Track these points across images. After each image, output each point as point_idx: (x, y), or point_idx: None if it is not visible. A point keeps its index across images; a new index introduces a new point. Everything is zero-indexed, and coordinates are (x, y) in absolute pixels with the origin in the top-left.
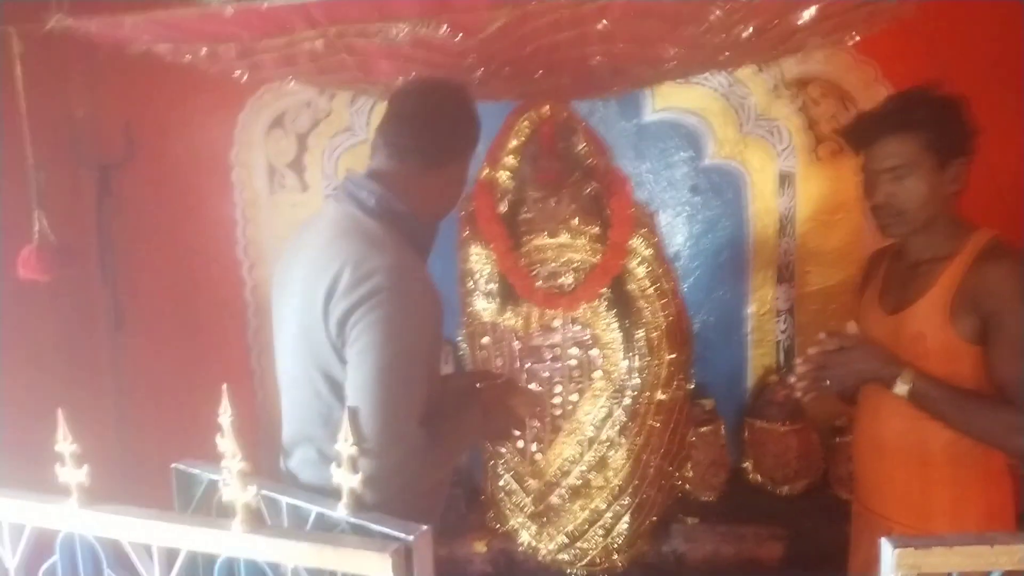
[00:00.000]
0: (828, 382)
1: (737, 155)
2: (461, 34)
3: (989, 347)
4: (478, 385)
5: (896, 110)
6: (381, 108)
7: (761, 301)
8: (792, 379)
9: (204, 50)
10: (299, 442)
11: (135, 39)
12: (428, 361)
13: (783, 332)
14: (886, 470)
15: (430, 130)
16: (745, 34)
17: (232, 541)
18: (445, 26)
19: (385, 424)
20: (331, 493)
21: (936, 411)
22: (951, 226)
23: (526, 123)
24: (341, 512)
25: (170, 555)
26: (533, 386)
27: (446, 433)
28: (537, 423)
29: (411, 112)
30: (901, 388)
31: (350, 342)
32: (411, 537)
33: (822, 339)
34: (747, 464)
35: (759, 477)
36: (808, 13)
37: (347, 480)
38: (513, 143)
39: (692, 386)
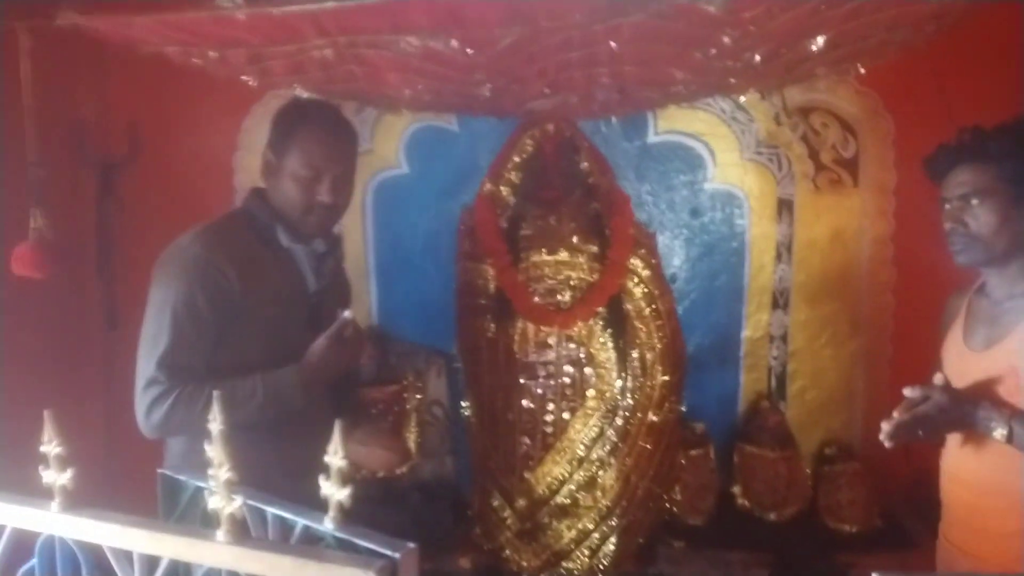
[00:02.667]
0: (921, 433)
1: (737, 180)
2: (471, 49)
3: None
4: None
5: (972, 140)
6: (386, 119)
7: (755, 326)
8: (882, 436)
9: (214, 54)
10: None
11: (145, 40)
12: (189, 328)
13: (775, 358)
14: (976, 509)
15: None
16: (754, 61)
17: (215, 552)
18: (455, 40)
19: (140, 371)
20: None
21: None
22: None
23: (530, 140)
24: (327, 526)
25: (151, 563)
26: (526, 403)
27: (226, 385)
28: (528, 440)
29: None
30: (999, 432)
31: None
32: (397, 554)
33: (907, 393)
34: (736, 489)
35: (747, 502)
36: (818, 42)
37: (335, 494)
38: (516, 159)
39: (684, 409)
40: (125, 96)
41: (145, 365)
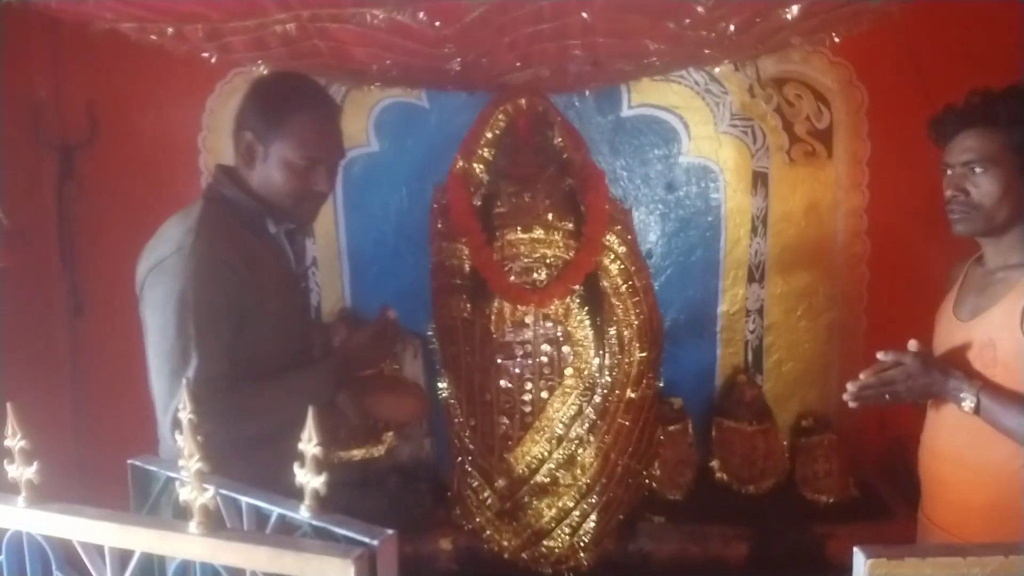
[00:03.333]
0: (888, 397)
1: (712, 153)
2: (439, 21)
3: None
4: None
5: (979, 104)
6: (354, 96)
7: (732, 300)
8: (845, 396)
9: (171, 30)
10: None
11: (98, 15)
12: (214, 333)
13: (752, 332)
14: (951, 484)
15: (242, 114)
16: (728, 31)
17: (188, 543)
18: (422, 13)
19: (158, 382)
20: None
21: (1002, 425)
22: None
23: (502, 116)
24: (304, 515)
25: (123, 556)
26: (503, 383)
27: (264, 388)
28: (506, 420)
29: (241, 101)
30: (967, 404)
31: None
32: (375, 542)
33: (880, 357)
34: (714, 463)
35: (726, 476)
36: (792, 11)
37: (310, 481)
38: (488, 135)
39: (661, 384)
40: (82, 76)
41: (174, 386)
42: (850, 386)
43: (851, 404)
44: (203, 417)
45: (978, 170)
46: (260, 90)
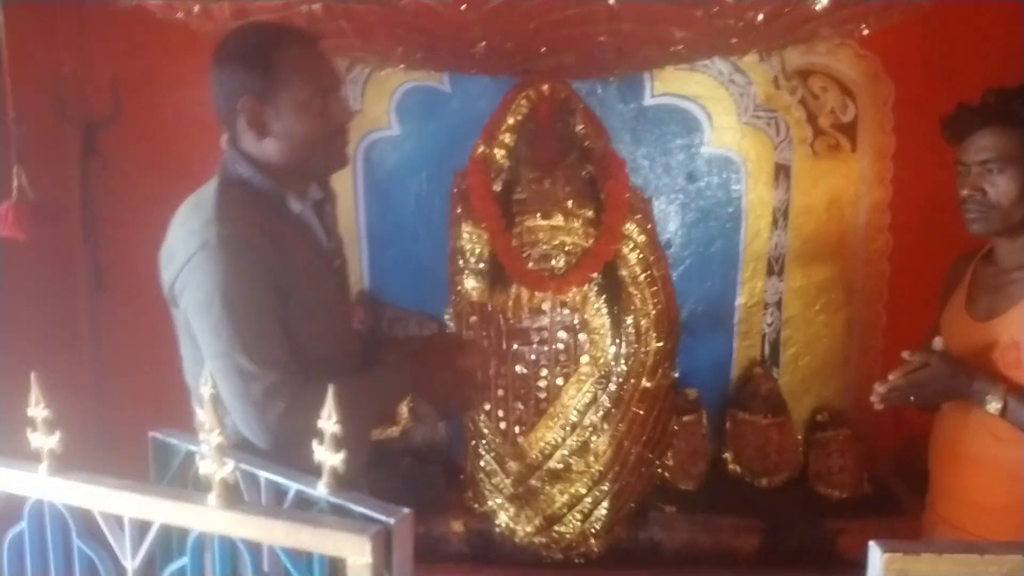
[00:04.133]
0: (912, 398)
1: (734, 144)
2: (464, 5)
3: None
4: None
5: (995, 103)
6: (377, 78)
7: (750, 293)
8: (873, 398)
9: (197, 7)
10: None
11: None
12: (258, 322)
13: (769, 325)
14: (967, 483)
15: (225, 88)
16: (756, 20)
17: (207, 516)
18: None
19: (230, 388)
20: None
21: None
22: None
23: (524, 101)
24: (321, 491)
25: (142, 527)
26: (519, 369)
27: (344, 388)
28: (521, 405)
29: (214, 77)
30: (993, 406)
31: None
32: (392, 520)
33: (905, 357)
34: (727, 455)
35: (738, 468)
36: (821, 1)
37: (329, 458)
38: (510, 121)
39: (677, 375)
40: (106, 53)
41: (244, 377)
42: (879, 387)
43: (877, 406)
44: (272, 402)
45: (995, 169)
46: (231, 53)
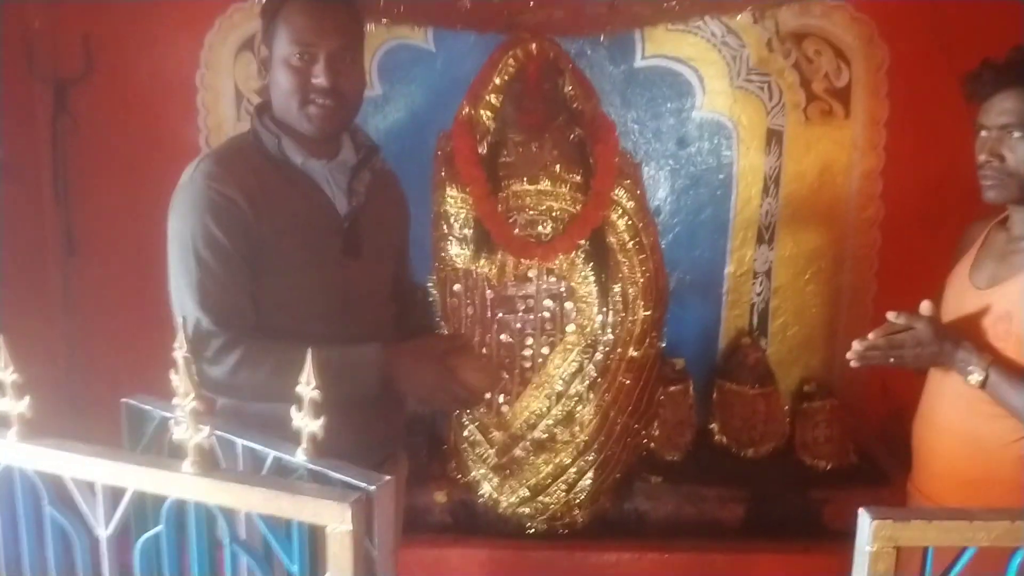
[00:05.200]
0: (892, 360)
1: (726, 109)
2: None
3: None
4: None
5: (1021, 61)
6: None
7: (739, 262)
8: (849, 354)
9: None
10: None
11: None
12: (216, 268)
13: (758, 295)
14: (946, 456)
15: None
16: None
17: (182, 483)
18: None
19: (181, 319)
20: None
21: (1007, 402)
22: None
23: (511, 60)
24: (300, 457)
25: (115, 494)
26: (504, 337)
27: (281, 349)
28: (505, 375)
29: None
30: (975, 377)
31: None
32: (373, 487)
33: (890, 318)
34: (714, 425)
35: (725, 439)
36: None
37: (307, 425)
38: (496, 81)
39: (664, 344)
40: (78, 8)
41: (185, 312)
42: (857, 344)
43: (853, 363)
44: (221, 356)
45: (1016, 134)
46: None
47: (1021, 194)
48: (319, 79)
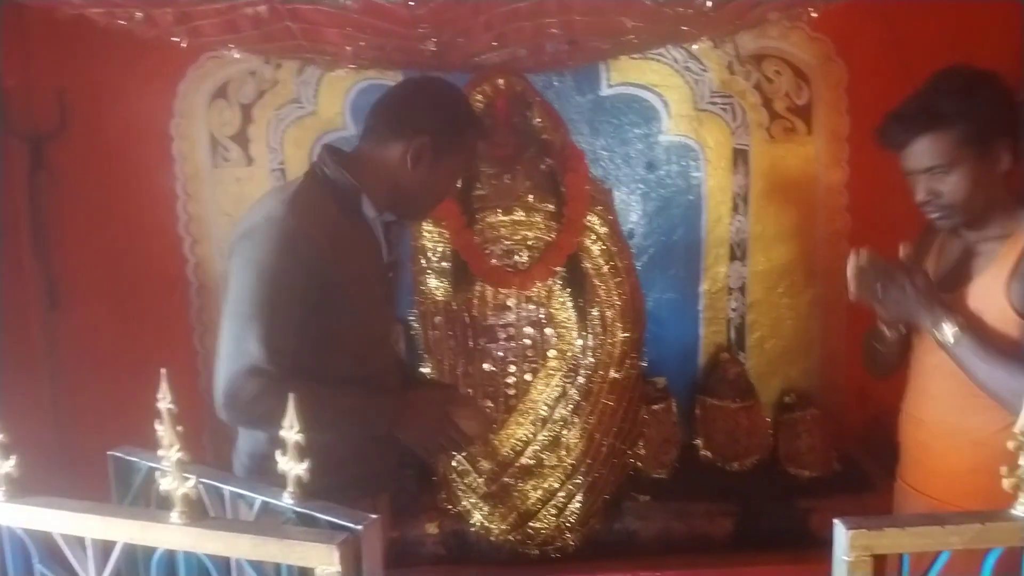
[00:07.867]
0: (880, 297)
1: (692, 131)
2: (413, 1)
3: None
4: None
5: (923, 108)
6: (330, 79)
7: (713, 279)
8: (851, 260)
9: (139, 14)
10: None
11: (64, 1)
12: (286, 306)
13: (734, 310)
14: (933, 449)
15: (419, 116)
16: (705, 6)
17: (170, 533)
18: None
19: (224, 349)
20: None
21: (973, 372)
22: (1008, 204)
23: (480, 96)
24: (287, 501)
25: (105, 548)
26: (487, 366)
27: (325, 393)
28: (490, 403)
29: (385, 97)
30: (945, 335)
31: None
32: (360, 527)
33: (904, 249)
34: (698, 441)
35: (710, 454)
36: None
37: (292, 468)
38: None
39: (645, 364)
40: (52, 64)
41: (240, 346)
42: (861, 256)
43: (851, 284)
44: (266, 395)
45: (944, 173)
46: (442, 98)
47: (970, 217)
48: (454, 185)
